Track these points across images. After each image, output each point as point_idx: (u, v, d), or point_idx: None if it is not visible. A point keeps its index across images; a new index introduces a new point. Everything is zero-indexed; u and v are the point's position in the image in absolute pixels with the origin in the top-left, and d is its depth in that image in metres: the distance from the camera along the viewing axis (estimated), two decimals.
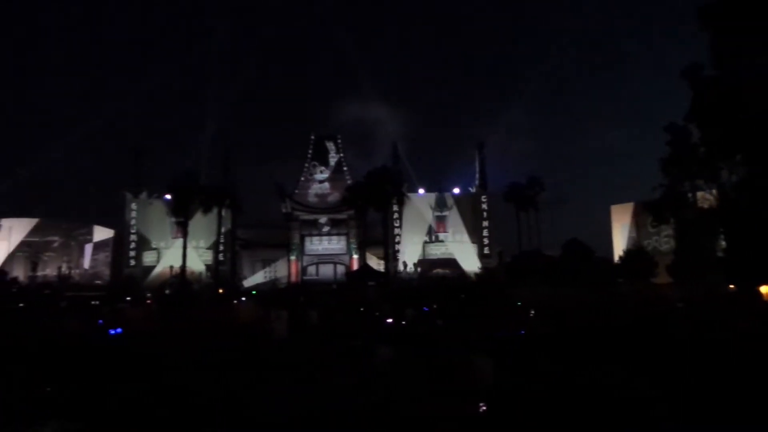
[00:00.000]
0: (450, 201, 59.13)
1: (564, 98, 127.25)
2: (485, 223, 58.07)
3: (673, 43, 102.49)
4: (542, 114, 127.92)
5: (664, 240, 52.46)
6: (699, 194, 33.21)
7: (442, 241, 58.21)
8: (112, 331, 16.62)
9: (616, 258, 47.91)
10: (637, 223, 56.49)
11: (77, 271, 58.58)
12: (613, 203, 62.70)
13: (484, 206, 58.33)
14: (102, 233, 61.66)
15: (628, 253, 43.70)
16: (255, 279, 58.14)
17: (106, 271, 59.89)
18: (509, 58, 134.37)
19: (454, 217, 58.53)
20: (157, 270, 55.07)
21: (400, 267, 54.00)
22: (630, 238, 55.66)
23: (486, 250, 57.52)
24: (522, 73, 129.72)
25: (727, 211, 23.53)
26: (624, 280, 37.21)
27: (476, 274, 50.76)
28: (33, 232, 58.13)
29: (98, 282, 55.69)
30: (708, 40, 22.20)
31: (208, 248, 55.50)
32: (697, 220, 31.31)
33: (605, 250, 53.54)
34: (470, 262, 56.09)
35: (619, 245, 56.04)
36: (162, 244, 56.45)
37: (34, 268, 49.19)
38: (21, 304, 27.75)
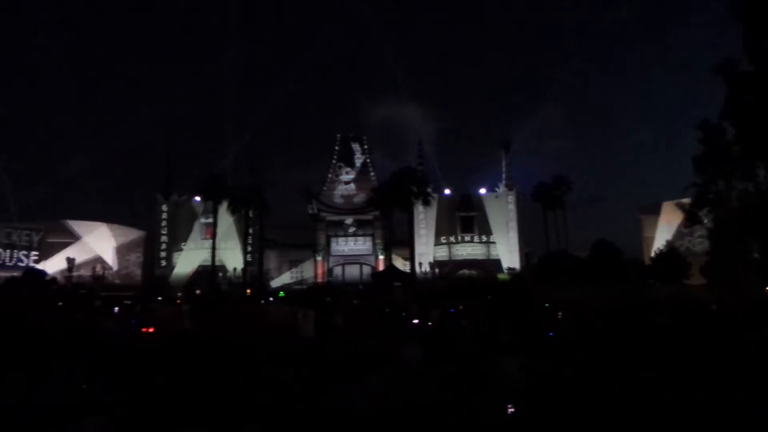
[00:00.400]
0: (476, 201, 58.80)
1: (592, 97, 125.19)
2: (512, 224, 57.50)
3: (703, 39, 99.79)
4: (570, 113, 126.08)
5: (697, 240, 51.15)
6: (734, 193, 32.28)
7: (468, 242, 57.91)
8: (144, 330, 17.01)
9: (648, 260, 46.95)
10: (669, 224, 55.15)
11: (110, 271, 60.10)
12: (643, 203, 61.54)
13: (511, 206, 57.79)
14: (129, 234, 62.99)
15: (660, 254, 42.76)
16: (282, 279, 58.81)
17: (137, 272, 61.33)
18: (538, 56, 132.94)
19: (480, 217, 58.16)
20: (187, 270, 56.19)
21: (426, 268, 53.90)
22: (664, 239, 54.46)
23: (513, 251, 56.96)
24: (550, 72, 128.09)
25: (760, 210, 22.84)
26: (655, 281, 36.43)
27: (502, 275, 50.36)
28: (69, 233, 59.80)
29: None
30: (742, 35, 21.61)
31: (235, 249, 56.40)
32: (731, 220, 30.43)
33: (637, 251, 52.59)
34: (496, 262, 55.66)
35: (651, 246, 54.82)
36: (191, 245, 57.60)
37: (70, 269, 50.67)
38: (60, 303, 28.75)
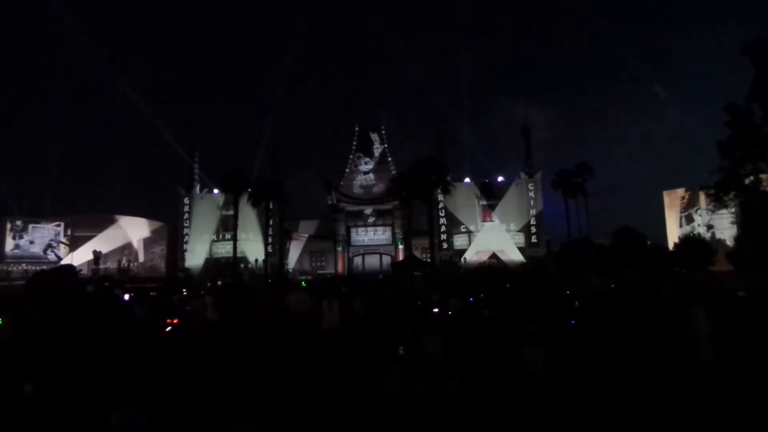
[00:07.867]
0: (496, 189, 58.40)
1: (616, 81, 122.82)
2: (532, 211, 57.06)
3: (725, 24, 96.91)
4: (592, 98, 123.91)
5: (724, 226, 50.26)
6: (763, 177, 31.53)
7: (488, 230, 57.62)
8: (169, 321, 17.33)
9: (671, 245, 46.23)
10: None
11: (136, 263, 61.27)
12: (666, 189, 60.62)
13: (531, 194, 57.29)
14: (153, 227, 64.11)
15: (684, 240, 41.98)
16: (303, 270, 59.28)
17: (162, 264, 62.47)
18: (557, 39, 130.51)
19: (500, 204, 57.79)
20: (210, 262, 56.98)
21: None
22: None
23: (533, 239, 56.58)
24: (570, 57, 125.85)
25: None
26: (680, 268, 35.80)
27: (523, 263, 50.02)
28: (96, 227, 61.09)
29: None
30: None
31: (256, 240, 57.00)
32: (760, 204, 29.70)
33: (661, 237, 51.89)
34: (517, 251, 55.35)
35: (674, 232, 54.06)
36: (213, 237, 58.38)
37: (96, 262, 51.75)
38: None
